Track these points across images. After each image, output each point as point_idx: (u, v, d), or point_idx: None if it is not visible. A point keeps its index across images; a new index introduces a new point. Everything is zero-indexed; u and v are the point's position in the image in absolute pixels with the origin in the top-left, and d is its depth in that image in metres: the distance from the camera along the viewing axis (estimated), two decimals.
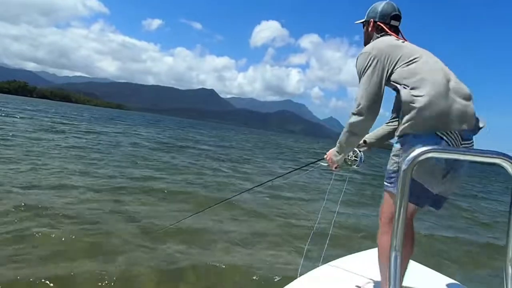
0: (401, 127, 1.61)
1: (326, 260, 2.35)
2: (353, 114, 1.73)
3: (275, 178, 3.04)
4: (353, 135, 1.80)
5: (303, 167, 2.76)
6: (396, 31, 1.93)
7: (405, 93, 1.59)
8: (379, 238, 1.70)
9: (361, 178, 13.81)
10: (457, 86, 1.60)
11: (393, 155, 1.65)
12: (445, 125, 1.51)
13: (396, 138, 1.66)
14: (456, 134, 1.53)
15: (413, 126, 1.54)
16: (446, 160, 1.52)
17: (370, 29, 1.96)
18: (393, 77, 1.67)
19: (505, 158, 0.89)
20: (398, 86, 1.64)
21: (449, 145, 1.50)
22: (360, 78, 1.74)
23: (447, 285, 2.29)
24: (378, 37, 1.89)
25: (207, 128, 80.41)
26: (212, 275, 3.47)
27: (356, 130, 1.77)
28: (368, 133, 1.95)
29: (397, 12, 1.92)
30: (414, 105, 1.54)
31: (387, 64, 1.69)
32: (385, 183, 1.69)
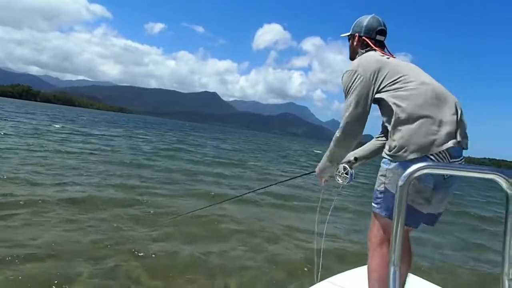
0: (387, 147, 1.60)
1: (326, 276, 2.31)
2: (338, 132, 1.73)
3: (269, 185, 3.05)
4: (336, 151, 1.81)
5: (296, 177, 2.77)
6: (381, 46, 1.90)
7: (389, 114, 1.58)
8: (369, 261, 1.64)
9: (370, 182, 13.70)
10: (445, 101, 1.56)
11: (380, 175, 1.60)
12: (432, 145, 1.46)
13: (383, 157, 1.62)
14: (444, 152, 1.48)
15: (399, 148, 1.51)
16: (434, 179, 1.49)
17: (355, 43, 1.94)
18: (378, 96, 1.65)
19: (499, 174, 0.92)
20: (383, 104, 1.62)
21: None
22: (346, 96, 1.72)
23: None
24: (363, 53, 1.85)
25: (209, 131, 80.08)
26: None
27: (340, 147, 1.77)
28: (351, 150, 1.91)
29: (383, 27, 1.89)
30: (398, 126, 1.53)
31: (373, 82, 1.66)
32: (372, 204, 1.65)
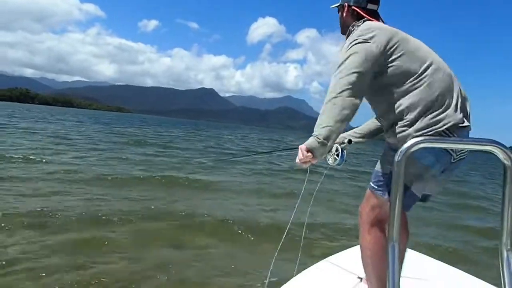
0: (392, 138, 1.48)
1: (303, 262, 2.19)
2: (342, 95, 1.39)
3: (252, 155, 2.99)
4: (337, 123, 1.39)
5: (278, 151, 2.60)
6: (374, 15, 1.67)
7: (395, 95, 1.44)
8: (361, 239, 1.56)
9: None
10: (454, 83, 1.46)
11: (386, 158, 1.50)
12: (441, 127, 1.36)
13: (387, 144, 1.52)
14: (453, 135, 1.38)
15: (407, 135, 1.39)
16: (442, 164, 1.41)
17: (344, 14, 1.71)
18: (382, 73, 1.46)
19: (496, 145, 0.95)
20: (388, 86, 1.46)
21: (446, 150, 1.38)
22: (339, 67, 1.44)
23: (448, 273, 2.28)
24: (359, 25, 1.59)
25: (212, 128, 78.81)
26: None
27: (341, 118, 1.39)
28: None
29: None
30: (404, 106, 1.41)
31: (382, 53, 1.45)
32: (371, 184, 1.54)
